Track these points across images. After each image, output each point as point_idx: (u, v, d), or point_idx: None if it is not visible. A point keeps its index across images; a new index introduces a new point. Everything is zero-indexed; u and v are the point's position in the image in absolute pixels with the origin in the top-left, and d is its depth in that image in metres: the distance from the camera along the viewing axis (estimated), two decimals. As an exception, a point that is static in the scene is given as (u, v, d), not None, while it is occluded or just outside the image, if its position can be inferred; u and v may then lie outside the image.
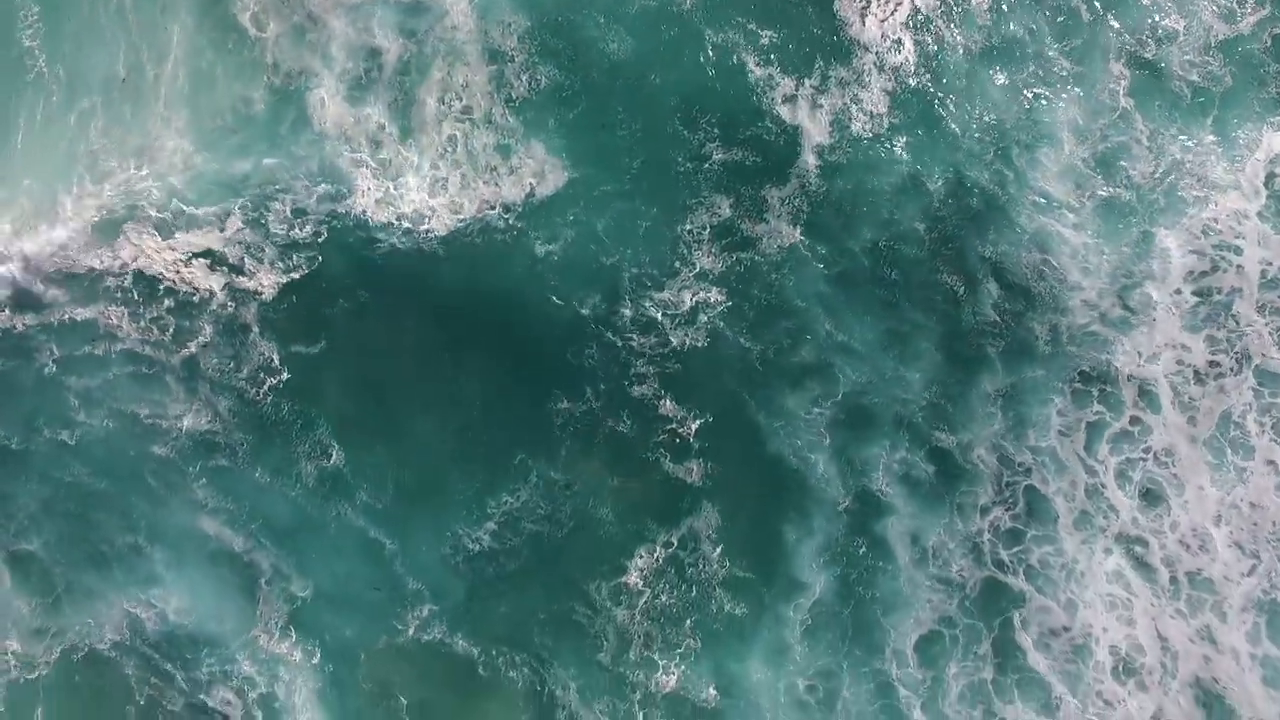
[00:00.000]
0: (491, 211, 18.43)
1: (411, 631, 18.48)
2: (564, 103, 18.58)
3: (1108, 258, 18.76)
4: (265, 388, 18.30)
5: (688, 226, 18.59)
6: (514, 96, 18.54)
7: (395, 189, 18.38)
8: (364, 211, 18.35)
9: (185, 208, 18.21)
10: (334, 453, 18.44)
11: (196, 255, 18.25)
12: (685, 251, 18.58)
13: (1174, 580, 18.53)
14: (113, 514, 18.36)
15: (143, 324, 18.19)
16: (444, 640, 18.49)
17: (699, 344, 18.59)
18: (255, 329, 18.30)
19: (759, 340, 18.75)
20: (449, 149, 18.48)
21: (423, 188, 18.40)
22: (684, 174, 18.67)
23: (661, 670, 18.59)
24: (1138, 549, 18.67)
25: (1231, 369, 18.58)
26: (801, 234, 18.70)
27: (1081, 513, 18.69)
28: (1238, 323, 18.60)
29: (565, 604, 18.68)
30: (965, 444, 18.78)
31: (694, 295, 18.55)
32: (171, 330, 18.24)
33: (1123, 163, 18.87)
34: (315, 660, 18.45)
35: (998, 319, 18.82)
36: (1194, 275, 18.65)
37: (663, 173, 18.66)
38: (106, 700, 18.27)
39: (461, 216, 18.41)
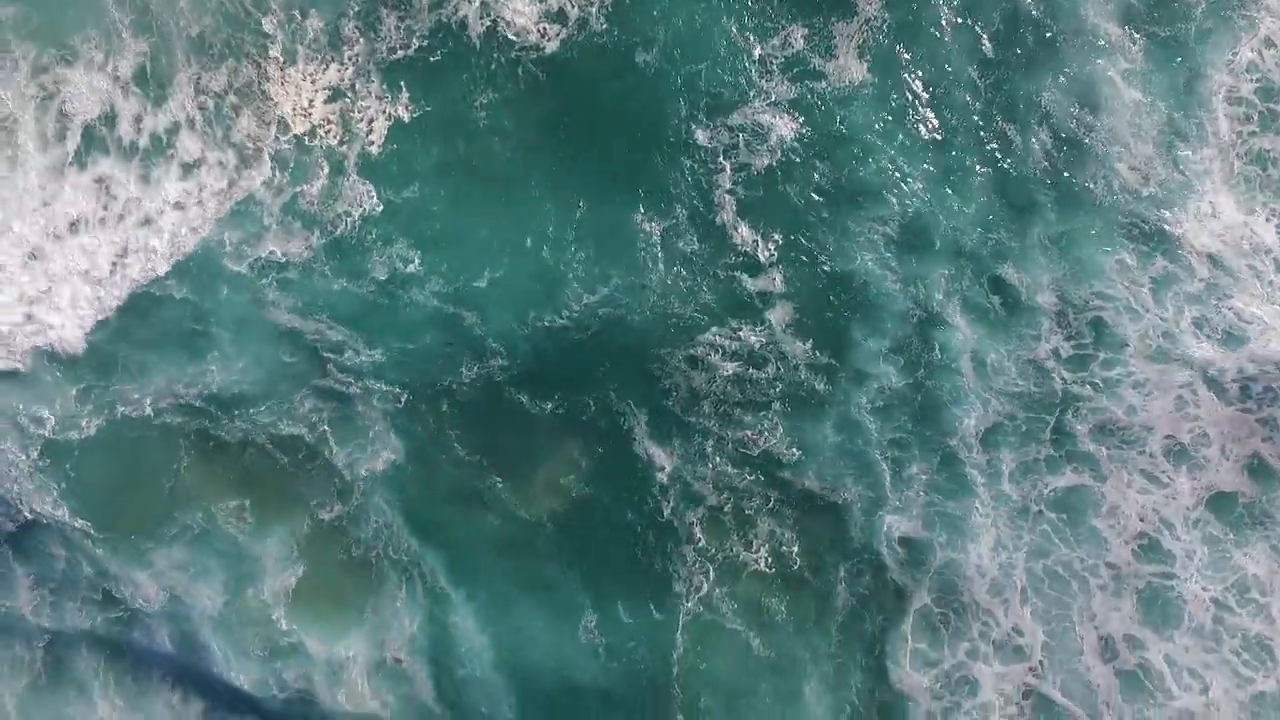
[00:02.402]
0: (591, 9, 18.00)
1: (482, 375, 18.90)
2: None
3: (1158, 114, 18.53)
4: (357, 216, 18.14)
5: (759, 51, 18.34)
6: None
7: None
8: (465, 19, 17.88)
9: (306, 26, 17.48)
10: (415, 259, 18.36)
11: (319, 91, 17.83)
12: (759, 78, 18.40)
13: (1244, 389, 19.15)
14: (173, 309, 18.09)
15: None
16: (516, 385, 18.97)
17: (772, 164, 18.62)
18: (356, 168, 18.03)
19: (828, 164, 18.80)
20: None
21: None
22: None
23: (737, 426, 19.30)
24: (1211, 371, 19.20)
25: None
26: (868, 68, 18.54)
27: (1158, 349, 19.10)
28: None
29: (641, 364, 19.19)
30: (1029, 284, 19.09)
31: (768, 119, 18.46)
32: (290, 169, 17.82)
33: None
34: (392, 399, 18.81)
35: (1049, 166, 18.80)
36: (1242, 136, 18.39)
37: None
38: (156, 451, 18.22)
39: (566, 26, 18.03)
